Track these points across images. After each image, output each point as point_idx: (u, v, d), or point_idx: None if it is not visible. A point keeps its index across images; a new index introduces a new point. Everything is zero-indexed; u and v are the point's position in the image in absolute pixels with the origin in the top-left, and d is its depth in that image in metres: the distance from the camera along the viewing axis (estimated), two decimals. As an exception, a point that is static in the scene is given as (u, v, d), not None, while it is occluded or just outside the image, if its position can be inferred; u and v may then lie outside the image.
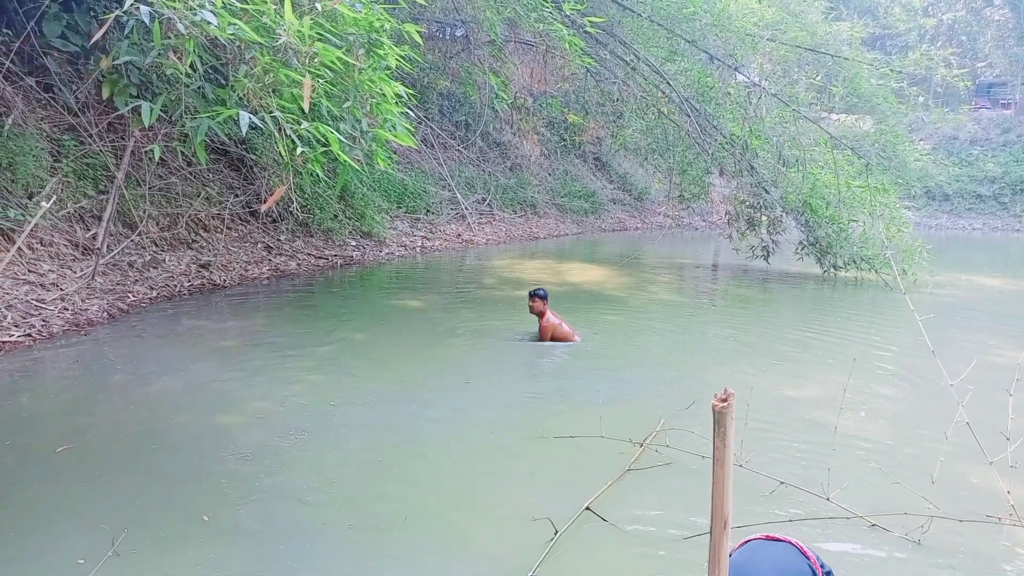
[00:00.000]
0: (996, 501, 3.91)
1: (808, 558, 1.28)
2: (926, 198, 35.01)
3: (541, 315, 7.36)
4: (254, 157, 11.52)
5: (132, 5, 3.71)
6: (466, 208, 18.12)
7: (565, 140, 24.61)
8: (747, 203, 14.40)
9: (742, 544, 1.41)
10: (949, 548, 3.57)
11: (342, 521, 3.66)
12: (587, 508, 3.79)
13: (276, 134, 4.26)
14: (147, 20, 3.67)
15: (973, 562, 3.48)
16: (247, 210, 11.42)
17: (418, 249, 15.00)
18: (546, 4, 9.19)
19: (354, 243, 13.23)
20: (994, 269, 17.91)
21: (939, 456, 4.16)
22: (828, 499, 3.91)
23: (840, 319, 9.99)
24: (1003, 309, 11.39)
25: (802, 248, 13.72)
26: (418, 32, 5.51)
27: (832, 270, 13.34)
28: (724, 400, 1.76)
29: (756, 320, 9.78)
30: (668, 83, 12.96)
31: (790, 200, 13.09)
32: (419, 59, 9.08)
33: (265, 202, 7.09)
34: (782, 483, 4.09)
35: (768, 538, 1.41)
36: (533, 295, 7.37)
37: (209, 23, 3.72)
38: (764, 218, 14.25)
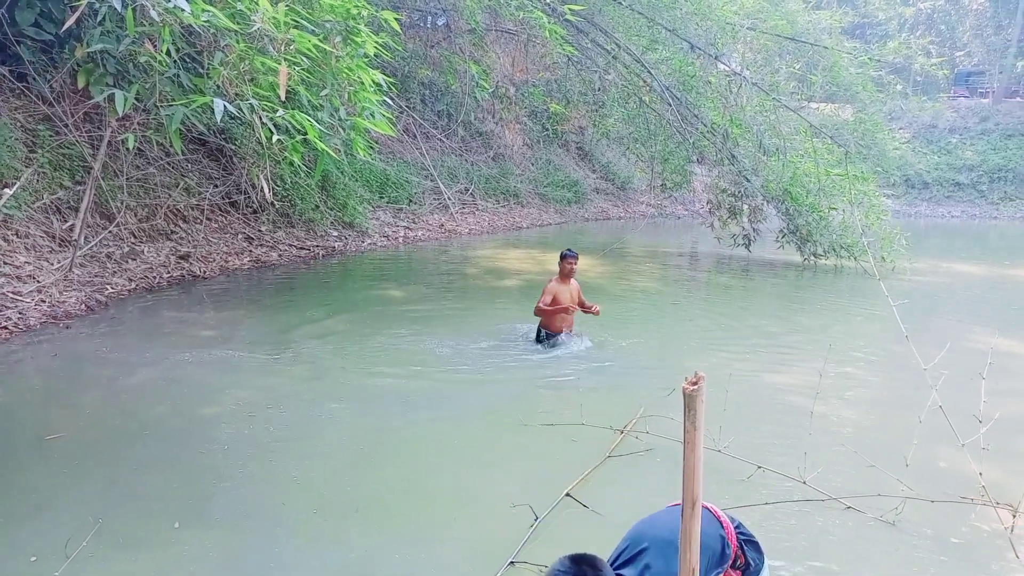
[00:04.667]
0: (968, 482, 3.99)
1: (722, 523, 1.30)
2: (905, 186, 35.43)
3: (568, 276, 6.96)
4: (233, 147, 11.41)
5: (104, -8, 3.66)
6: (449, 198, 18.08)
7: (548, 129, 24.59)
8: (728, 192, 14.49)
9: (667, 507, 1.44)
10: (923, 528, 3.63)
11: (323, 510, 3.66)
12: (567, 494, 3.81)
13: (255, 122, 4.23)
14: (119, 7, 3.62)
15: (946, 542, 3.54)
16: (227, 200, 11.32)
17: (401, 239, 14.95)
18: (527, -8, 9.17)
19: (336, 234, 13.16)
20: (972, 256, 18.13)
21: (913, 439, 4.22)
22: (804, 482, 3.96)
23: (819, 306, 10.09)
24: (979, 295, 11.55)
25: (783, 236, 13.84)
26: (397, 20, 5.47)
27: (812, 258, 13.47)
28: (694, 384, 1.78)
29: (737, 307, 9.85)
30: (649, 72, 12.97)
31: (771, 188, 13.18)
32: (399, 47, 9.02)
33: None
34: (759, 467, 4.13)
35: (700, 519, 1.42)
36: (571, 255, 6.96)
37: (182, 10, 3.67)
38: (745, 206, 14.35)
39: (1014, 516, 3.60)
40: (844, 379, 6.22)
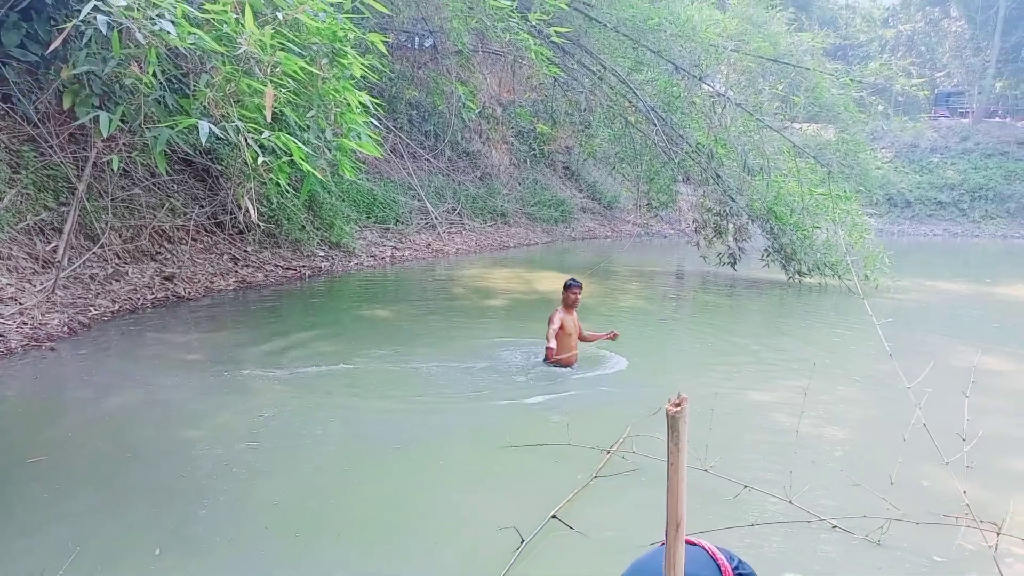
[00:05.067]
0: (953, 501, 4.00)
1: (719, 565, 1.28)
2: (888, 205, 35.83)
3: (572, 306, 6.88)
4: (220, 167, 11.40)
5: (89, 14, 3.66)
6: (436, 218, 18.11)
7: (534, 149, 24.73)
8: (714, 211, 14.60)
9: (659, 545, 1.41)
10: (908, 548, 3.64)
11: (306, 535, 3.62)
12: (553, 516, 3.79)
13: (240, 143, 4.23)
14: (104, 30, 3.63)
15: (931, 561, 3.55)
16: (213, 221, 11.29)
17: (387, 259, 14.94)
18: (512, 15, 9.24)
19: (322, 254, 13.14)
20: (954, 273, 18.32)
21: (898, 458, 4.24)
22: (791, 502, 3.97)
23: (804, 324, 10.15)
24: (962, 312, 11.66)
25: (767, 255, 13.94)
26: (385, 42, 5.51)
27: (797, 276, 13.56)
28: (677, 405, 1.78)
29: (723, 326, 9.90)
30: (635, 92, 13.11)
31: (755, 208, 13.30)
32: (385, 69, 9.07)
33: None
34: (746, 487, 4.13)
35: (686, 542, 1.40)
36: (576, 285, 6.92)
37: (168, 33, 3.68)
38: (731, 225, 14.46)
39: (998, 535, 3.61)
40: (829, 397, 6.25)
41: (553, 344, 6.51)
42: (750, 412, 5.85)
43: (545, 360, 6.75)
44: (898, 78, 40.34)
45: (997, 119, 41.46)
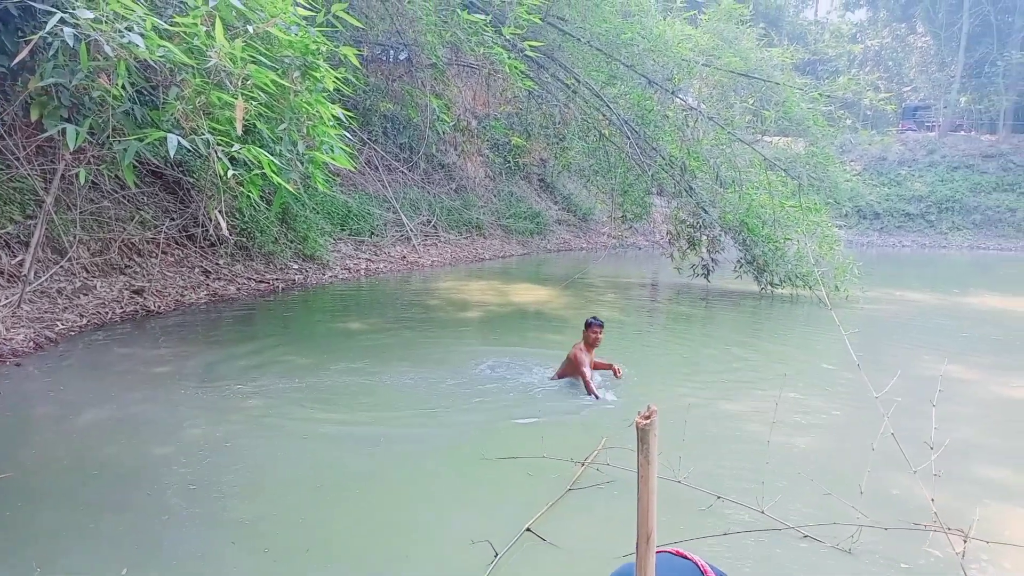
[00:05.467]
0: (921, 509, 4.06)
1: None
2: (857, 217, 36.46)
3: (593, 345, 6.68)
4: (191, 180, 11.29)
5: (56, 26, 3.62)
6: (411, 230, 18.07)
7: (509, 162, 24.82)
8: (687, 223, 14.74)
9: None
10: (878, 556, 3.68)
11: (274, 551, 3.58)
12: (528, 529, 3.78)
13: (211, 156, 4.20)
14: (71, 42, 3.59)
15: (900, 568, 3.59)
16: (183, 234, 11.16)
17: (362, 272, 14.87)
18: (486, 29, 9.29)
19: (296, 266, 13.04)
20: (923, 284, 18.66)
21: (867, 467, 4.29)
22: (763, 512, 4.00)
23: (776, 335, 10.26)
24: (931, 322, 11.86)
25: (740, 266, 14.10)
26: (358, 55, 5.51)
27: (769, 287, 13.72)
28: (647, 417, 1.79)
29: (697, 337, 9.97)
30: (608, 106, 13.22)
31: (728, 220, 13.45)
32: (359, 82, 9.06)
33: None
34: (719, 497, 4.16)
35: (677, 554, 1.41)
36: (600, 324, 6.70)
37: (137, 46, 3.65)
38: (704, 237, 14.60)
39: (965, 542, 3.67)
40: (800, 407, 6.32)
41: (596, 392, 6.35)
42: (723, 422, 5.89)
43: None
44: (866, 92, 41.14)
45: (962, 132, 42.48)
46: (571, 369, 6.67)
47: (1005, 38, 41.22)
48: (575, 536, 3.80)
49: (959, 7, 42.48)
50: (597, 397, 6.33)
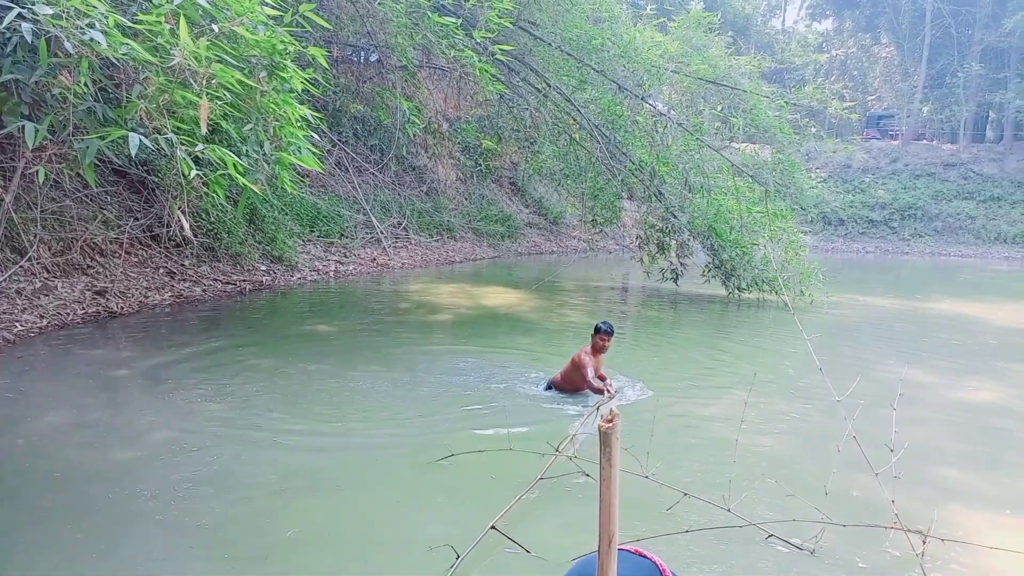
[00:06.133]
0: (883, 510, 4.14)
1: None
2: (822, 223, 37.10)
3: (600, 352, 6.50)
4: (156, 179, 11.10)
5: (13, 22, 3.54)
6: (381, 232, 17.97)
7: (480, 165, 24.80)
8: (656, 227, 14.86)
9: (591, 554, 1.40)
10: (840, 556, 3.74)
11: (234, 557, 3.53)
12: (492, 527, 3.78)
13: (176, 155, 4.13)
14: (30, 38, 3.51)
15: (861, 568, 3.66)
16: (148, 234, 10.97)
17: (332, 274, 14.75)
18: (457, 32, 9.29)
19: (264, 268, 12.89)
20: (885, 289, 19.02)
21: (831, 468, 4.36)
22: (729, 510, 4.03)
23: (743, 339, 10.38)
24: (892, 327, 12.10)
25: (708, 271, 14.26)
26: (328, 55, 5.47)
27: (736, 291, 13.88)
28: (610, 421, 1.80)
29: (665, 341, 10.05)
30: (579, 111, 13.29)
31: (696, 225, 13.59)
32: (328, 83, 8.99)
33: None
34: (686, 494, 4.19)
35: (636, 552, 1.41)
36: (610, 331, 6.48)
37: (99, 43, 3.58)
38: (673, 242, 14.73)
39: (924, 542, 3.75)
40: (766, 410, 6.40)
41: (607, 388, 6.21)
42: (691, 424, 5.95)
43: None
44: (831, 101, 41.77)
45: (924, 141, 43.46)
46: (572, 370, 6.45)
47: (965, 50, 42.27)
48: (540, 534, 3.81)
49: (922, 19, 43.47)
50: (610, 393, 6.13)
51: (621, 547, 1.51)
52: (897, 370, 7.82)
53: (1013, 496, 4.75)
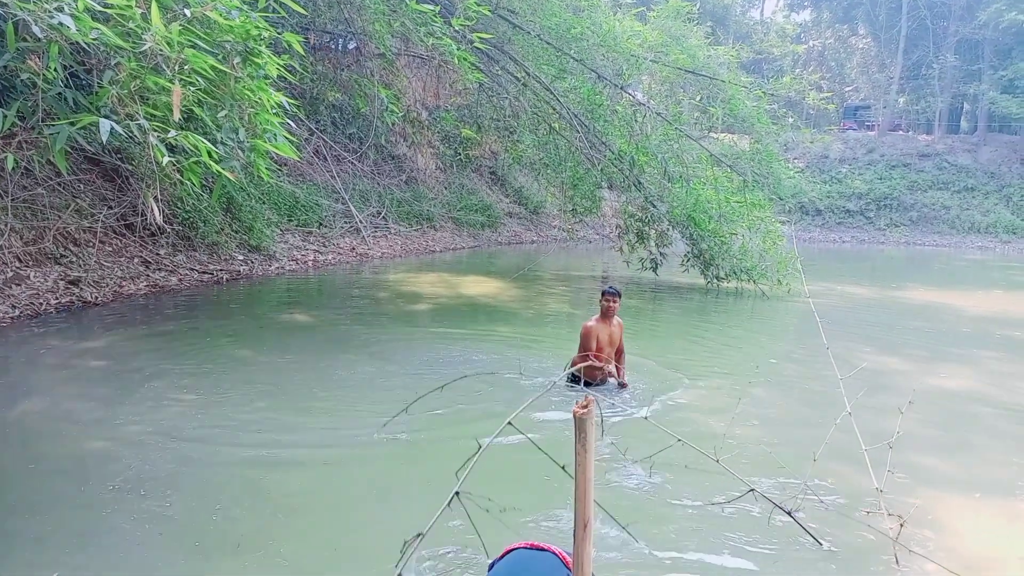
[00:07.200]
0: (861, 494, 4.21)
1: (570, 569, 1.30)
2: (800, 213, 37.41)
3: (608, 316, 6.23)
4: (130, 167, 10.93)
5: (-21, 4, 3.46)
6: (360, 221, 17.86)
7: (460, 154, 24.70)
8: (636, 217, 14.91)
9: (506, 552, 1.40)
10: (823, 538, 3.80)
11: (205, 547, 3.51)
12: (456, 493, 3.77)
13: (148, 142, 4.07)
14: (-3, 21, 3.44)
15: (841, 549, 3.72)
16: (122, 223, 10.82)
17: (310, 263, 14.64)
18: (435, 19, 9.22)
19: (241, 257, 12.77)
20: (861, 278, 19.23)
21: (812, 456, 4.42)
22: (718, 461, 3.99)
23: (722, 327, 10.47)
24: (868, 315, 12.24)
25: (687, 260, 14.34)
26: (304, 42, 5.41)
27: (715, 281, 13.97)
28: (584, 407, 1.80)
29: (646, 329, 10.10)
30: (558, 100, 13.27)
31: (676, 214, 13.65)
32: (305, 70, 8.89)
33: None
34: (679, 440, 4.15)
35: (532, 547, 1.41)
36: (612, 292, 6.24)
37: (68, 27, 3.51)
38: (652, 231, 14.78)
39: (901, 526, 3.80)
40: (744, 400, 6.44)
41: (611, 367, 6.07)
42: (674, 412, 5.99)
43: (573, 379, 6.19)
44: (809, 92, 42.15)
45: (900, 132, 43.99)
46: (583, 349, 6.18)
47: (940, 42, 42.73)
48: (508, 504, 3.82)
49: (898, 10, 43.85)
50: (620, 381, 6.00)
51: (514, 546, 1.49)
52: (873, 358, 7.94)
53: (983, 480, 4.84)
